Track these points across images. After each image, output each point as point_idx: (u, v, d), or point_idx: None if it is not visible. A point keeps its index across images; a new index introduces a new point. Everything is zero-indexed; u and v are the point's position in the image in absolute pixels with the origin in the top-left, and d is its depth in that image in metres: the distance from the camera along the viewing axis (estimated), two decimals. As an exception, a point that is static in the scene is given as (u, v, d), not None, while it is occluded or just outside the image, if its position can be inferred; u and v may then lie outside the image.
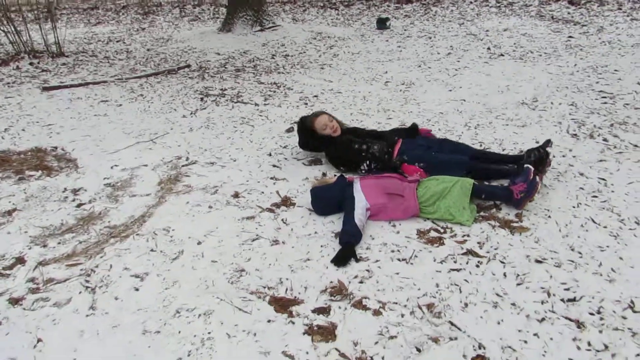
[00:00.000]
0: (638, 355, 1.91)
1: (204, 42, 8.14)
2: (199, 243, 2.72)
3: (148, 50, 7.84)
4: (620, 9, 9.83)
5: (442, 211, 2.79)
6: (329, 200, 2.91)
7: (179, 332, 2.12)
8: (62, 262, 2.61)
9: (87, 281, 2.46)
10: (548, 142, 3.34)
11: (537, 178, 2.90)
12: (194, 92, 5.40)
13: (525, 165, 3.02)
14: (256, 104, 4.92)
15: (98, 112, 4.87)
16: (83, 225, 2.95)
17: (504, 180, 3.18)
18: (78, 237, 2.83)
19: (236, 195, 3.20)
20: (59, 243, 2.78)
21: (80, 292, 2.38)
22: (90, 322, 2.21)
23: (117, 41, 8.73)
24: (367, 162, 3.40)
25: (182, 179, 3.45)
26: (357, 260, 2.51)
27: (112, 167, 3.67)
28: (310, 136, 3.57)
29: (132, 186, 3.39)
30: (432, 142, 3.52)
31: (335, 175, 3.24)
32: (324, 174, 3.43)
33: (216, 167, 3.61)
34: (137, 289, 2.39)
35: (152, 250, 2.67)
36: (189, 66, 6.59)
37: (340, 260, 2.49)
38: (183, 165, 3.65)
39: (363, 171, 3.40)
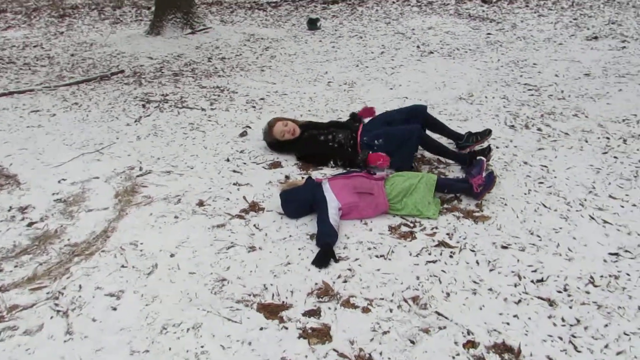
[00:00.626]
0: (606, 325, 2.10)
1: (133, 45, 7.82)
2: (172, 255, 2.65)
3: (72, 55, 7.41)
4: (528, 6, 10.56)
5: (409, 207, 2.90)
6: (300, 202, 2.93)
7: (170, 348, 2.07)
8: (24, 286, 2.45)
9: (56, 305, 2.33)
10: (488, 132, 3.68)
11: (494, 172, 3.10)
12: (133, 99, 5.19)
13: (478, 158, 3.25)
14: (203, 109, 4.82)
15: (30, 124, 4.56)
16: (39, 245, 2.78)
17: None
18: (36, 258, 2.67)
19: (201, 203, 3.14)
20: (16, 266, 2.60)
21: (51, 317, 2.26)
22: (69, 347, 2.10)
23: (35, 46, 8.17)
24: (336, 156, 3.53)
25: (140, 189, 3.33)
26: (337, 260, 2.55)
27: (59, 182, 3.47)
28: (277, 145, 3.74)
29: (87, 200, 3.23)
30: (388, 117, 3.79)
31: (302, 178, 3.28)
32: (287, 177, 3.44)
33: (174, 175, 3.51)
34: (114, 308, 2.30)
35: (123, 266, 2.57)
36: (122, 72, 6.31)
37: (321, 261, 2.52)
38: (138, 176, 3.52)
39: (332, 166, 3.52)
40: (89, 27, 9.88)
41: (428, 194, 2.93)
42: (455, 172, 3.46)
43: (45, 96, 5.41)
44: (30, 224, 2.98)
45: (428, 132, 3.70)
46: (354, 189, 2.93)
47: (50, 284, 2.45)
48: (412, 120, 3.62)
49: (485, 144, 3.64)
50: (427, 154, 3.63)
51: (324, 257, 2.54)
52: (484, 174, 2.99)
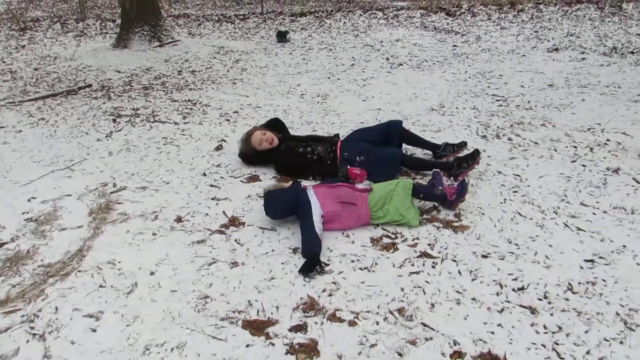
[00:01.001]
0: (587, 332, 2.15)
1: (99, 59, 7.67)
2: (152, 273, 2.59)
3: (36, 69, 7.22)
4: (490, 19, 10.88)
5: (391, 214, 2.92)
6: (284, 203, 2.94)
7: (154, 369, 2.02)
8: (-2, 310, 2.35)
9: (32, 328, 2.24)
10: (464, 144, 3.78)
11: (466, 179, 3.17)
12: (103, 113, 5.08)
13: (434, 171, 3.30)
14: (176, 123, 4.76)
15: (-5, 141, 4.41)
16: (11, 266, 2.67)
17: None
18: (9, 280, 2.56)
19: (179, 219, 3.09)
20: (-12, 290, 2.49)
21: (27, 341, 2.17)
22: (48, 372, 2.02)
23: (-5, 60, 7.94)
24: (315, 169, 3.53)
25: (115, 206, 3.25)
26: (322, 269, 2.57)
27: (29, 200, 3.35)
28: (254, 156, 3.71)
29: (59, 219, 3.13)
30: (365, 133, 3.81)
31: (290, 182, 3.32)
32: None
33: (149, 191, 3.45)
34: (94, 330, 2.23)
35: (101, 286, 2.50)
36: (90, 86, 6.18)
37: (308, 270, 2.54)
38: (112, 192, 3.43)
39: (312, 180, 3.52)
40: (51, 41, 9.66)
41: (406, 199, 2.98)
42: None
43: (10, 112, 5.24)
44: (0, 245, 2.86)
45: (405, 146, 3.80)
46: (337, 198, 2.96)
47: (24, 307, 2.36)
48: (391, 138, 3.69)
49: (470, 150, 3.68)
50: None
51: (311, 266, 2.55)
52: (455, 184, 3.06)
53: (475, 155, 3.51)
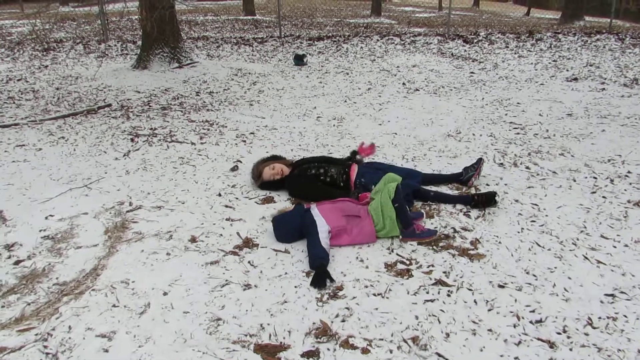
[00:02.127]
0: (607, 368, 2.09)
1: (119, 79, 7.82)
2: (165, 294, 2.58)
3: (57, 89, 7.37)
4: (508, 47, 10.92)
5: (388, 226, 2.98)
6: (291, 226, 3.01)
7: (164, 392, 1.99)
8: (12, 327, 2.35)
9: (45, 347, 2.23)
10: (481, 161, 3.87)
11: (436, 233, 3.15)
12: (121, 133, 5.16)
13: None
14: (192, 143, 4.81)
15: (16, 158, 4.48)
16: (27, 284, 2.68)
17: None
18: (24, 298, 2.57)
19: (194, 239, 3.09)
20: (3, 306, 2.50)
21: (40, 360, 2.16)
22: (59, 392, 2.00)
23: (18, 80, 8.11)
24: (328, 192, 3.50)
25: (130, 225, 3.27)
26: (333, 280, 2.61)
27: (46, 218, 3.39)
28: (268, 185, 3.75)
29: (75, 237, 3.15)
30: (385, 165, 3.86)
31: (292, 205, 3.36)
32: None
33: (165, 210, 3.46)
34: (106, 350, 2.21)
35: (114, 305, 2.49)
36: (109, 105, 6.29)
37: (318, 282, 2.58)
38: (128, 211, 3.46)
39: None
40: (74, 61, 9.89)
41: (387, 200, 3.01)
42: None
43: (31, 130, 5.34)
44: (17, 262, 2.88)
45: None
46: (341, 212, 3.03)
47: (38, 325, 2.36)
48: (409, 177, 3.69)
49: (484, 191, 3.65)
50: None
51: (321, 278, 2.59)
52: (425, 227, 3.15)
53: (479, 163, 3.82)
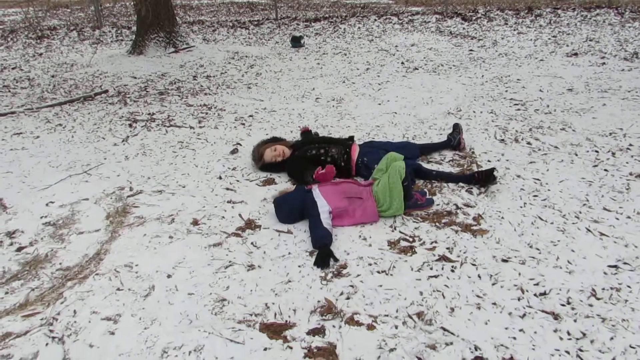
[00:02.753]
0: (612, 339, 2.09)
1: (115, 65, 7.75)
2: (169, 276, 2.58)
3: (53, 76, 7.31)
4: (507, 23, 10.81)
5: (395, 206, 2.97)
6: (292, 207, 3.01)
7: (172, 373, 2.00)
8: (17, 313, 2.35)
9: (51, 331, 2.24)
10: (456, 125, 4.06)
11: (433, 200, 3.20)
12: (119, 119, 5.12)
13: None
14: (191, 127, 4.78)
15: (14, 146, 4.46)
16: (30, 270, 2.68)
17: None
18: (28, 284, 2.57)
19: (196, 222, 3.08)
20: (7, 293, 2.50)
21: (47, 344, 2.16)
22: (66, 375, 2.01)
23: (13, 68, 8.04)
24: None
25: (131, 210, 3.26)
26: (337, 260, 2.62)
27: (47, 204, 3.37)
28: (269, 167, 3.74)
29: (77, 223, 3.14)
30: (381, 143, 3.90)
31: (293, 186, 3.37)
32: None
33: (166, 195, 3.45)
34: (112, 333, 2.22)
35: (118, 289, 2.49)
36: (106, 91, 6.24)
37: (322, 262, 2.59)
38: (128, 196, 3.44)
39: None
40: (68, 48, 9.80)
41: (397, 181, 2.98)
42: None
43: (28, 118, 5.30)
44: (19, 249, 2.88)
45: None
46: (343, 193, 3.02)
47: (43, 310, 2.36)
48: (408, 153, 3.71)
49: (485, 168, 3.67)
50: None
51: (324, 258, 2.61)
52: (426, 196, 3.17)
53: (455, 126, 4.07)
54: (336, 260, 2.63)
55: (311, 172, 3.38)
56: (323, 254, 2.64)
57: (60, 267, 2.69)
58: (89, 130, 4.82)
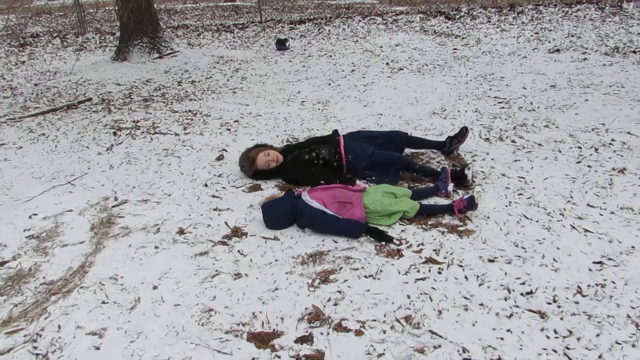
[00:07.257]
0: (598, 335, 2.11)
1: (99, 72, 7.68)
2: (155, 287, 2.55)
3: (36, 85, 7.24)
4: (490, 21, 10.88)
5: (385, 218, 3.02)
6: (283, 214, 2.99)
7: (159, 386, 1.98)
8: (0, 330, 2.32)
9: (35, 347, 2.21)
10: (465, 130, 3.95)
11: (475, 198, 3.03)
12: (103, 127, 5.08)
13: (442, 167, 3.44)
14: (176, 134, 4.75)
15: (-4, 158, 4.40)
16: (13, 285, 2.64)
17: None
18: (11, 299, 2.53)
19: (181, 231, 3.06)
20: (-10, 309, 2.46)
21: (31, 362, 2.13)
22: (51, 392, 1.98)
23: (-5, 77, 7.96)
24: (323, 175, 3.51)
25: (116, 220, 3.23)
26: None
27: (30, 217, 3.33)
28: (261, 174, 3.68)
29: (61, 235, 3.11)
30: (367, 134, 3.90)
31: (282, 191, 3.31)
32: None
33: (151, 204, 3.42)
34: (97, 348, 2.19)
35: (103, 302, 2.47)
36: (90, 99, 6.18)
37: (381, 238, 2.83)
38: (113, 206, 3.41)
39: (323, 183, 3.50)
40: (51, 56, 9.70)
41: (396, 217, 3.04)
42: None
43: (10, 128, 5.24)
44: (2, 264, 2.84)
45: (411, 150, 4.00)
46: (333, 198, 3.02)
47: (27, 326, 2.33)
48: (396, 145, 3.77)
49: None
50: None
51: (380, 235, 2.83)
52: (465, 197, 3.02)
53: (463, 132, 3.90)
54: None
55: (323, 174, 3.48)
56: (373, 232, 2.83)
57: (44, 282, 2.66)
58: (73, 140, 4.77)
